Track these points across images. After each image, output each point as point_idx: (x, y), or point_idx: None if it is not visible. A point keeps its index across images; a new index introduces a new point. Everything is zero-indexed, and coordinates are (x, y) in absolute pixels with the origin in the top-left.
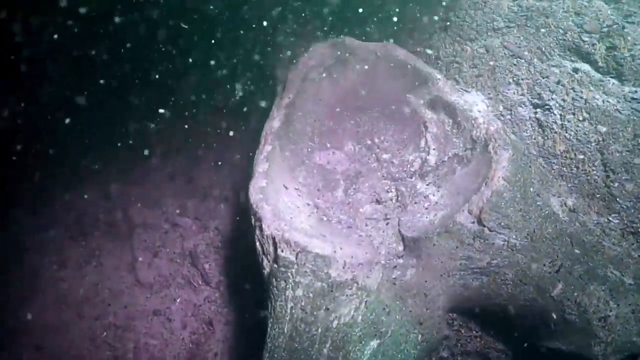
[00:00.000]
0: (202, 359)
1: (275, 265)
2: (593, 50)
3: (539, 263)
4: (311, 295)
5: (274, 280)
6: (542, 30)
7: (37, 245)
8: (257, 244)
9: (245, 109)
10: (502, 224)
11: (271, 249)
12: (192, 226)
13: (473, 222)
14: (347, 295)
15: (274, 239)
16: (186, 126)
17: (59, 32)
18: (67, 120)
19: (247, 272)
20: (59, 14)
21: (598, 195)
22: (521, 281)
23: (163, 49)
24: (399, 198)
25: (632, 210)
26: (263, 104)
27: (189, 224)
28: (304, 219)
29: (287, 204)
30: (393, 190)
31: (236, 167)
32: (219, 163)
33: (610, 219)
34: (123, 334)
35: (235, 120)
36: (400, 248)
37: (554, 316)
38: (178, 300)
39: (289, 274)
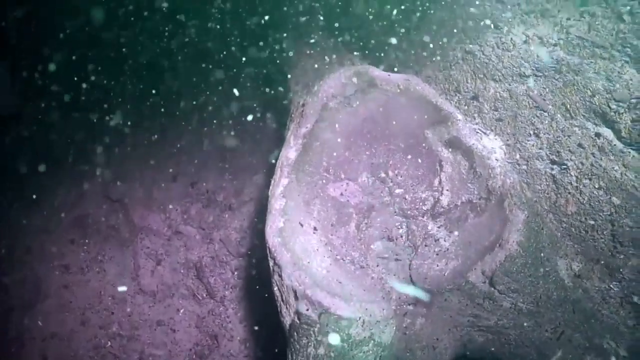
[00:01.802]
0: None
1: (297, 321)
2: (618, 119)
3: (542, 328)
4: (332, 354)
5: (295, 334)
6: (570, 87)
7: (38, 249)
8: (276, 288)
9: (253, 115)
10: (512, 287)
11: (292, 300)
12: (196, 235)
13: (484, 283)
14: (364, 352)
15: (295, 292)
16: (190, 127)
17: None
18: (66, 119)
19: (252, 291)
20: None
21: (602, 262)
22: (524, 343)
23: (170, 51)
24: (410, 237)
25: (634, 283)
26: (273, 112)
27: (193, 233)
28: (320, 261)
29: (304, 245)
30: (404, 227)
31: (241, 172)
32: (223, 166)
33: (611, 286)
34: (127, 343)
35: (243, 125)
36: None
37: None
38: (181, 310)
39: (311, 332)
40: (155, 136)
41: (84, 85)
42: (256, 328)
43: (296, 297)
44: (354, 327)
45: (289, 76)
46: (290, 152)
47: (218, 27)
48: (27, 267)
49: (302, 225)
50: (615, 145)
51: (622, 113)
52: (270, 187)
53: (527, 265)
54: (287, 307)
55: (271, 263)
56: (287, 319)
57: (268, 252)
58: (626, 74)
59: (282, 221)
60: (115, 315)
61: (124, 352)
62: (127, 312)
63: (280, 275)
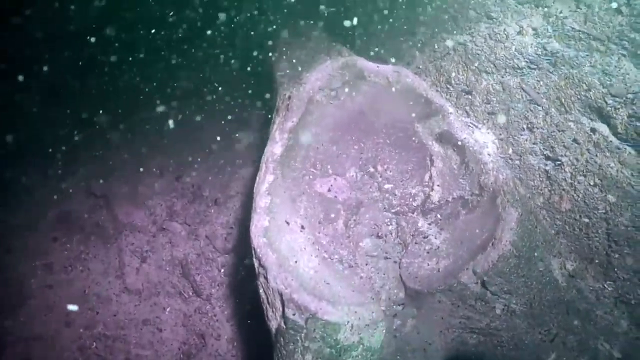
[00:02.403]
0: None
1: (284, 326)
2: (614, 115)
3: (535, 330)
4: None
5: (281, 339)
6: (565, 80)
7: (20, 247)
8: (261, 291)
9: (239, 106)
10: (505, 289)
11: (278, 303)
12: (182, 232)
13: (476, 284)
14: (353, 357)
15: (281, 295)
16: (175, 119)
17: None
18: (48, 111)
19: (239, 289)
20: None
21: (597, 261)
22: (516, 345)
23: (152, 44)
24: (399, 234)
25: (628, 283)
26: (258, 103)
27: (178, 230)
28: (308, 260)
29: (291, 244)
30: (394, 223)
31: (227, 166)
32: (209, 159)
33: (606, 285)
34: (113, 344)
35: (228, 117)
36: (401, 295)
37: None
38: (168, 309)
39: (298, 337)
40: (140, 129)
41: (66, 80)
42: (243, 327)
43: (282, 301)
44: (342, 332)
45: (275, 67)
46: (275, 147)
47: (200, 18)
48: (8, 267)
49: (288, 223)
50: (611, 141)
51: (619, 108)
52: (255, 184)
53: (521, 266)
54: (273, 311)
55: (256, 264)
56: (274, 322)
57: (253, 252)
58: (622, 67)
59: (268, 220)
60: (101, 315)
61: (110, 353)
62: (113, 311)
63: (265, 277)
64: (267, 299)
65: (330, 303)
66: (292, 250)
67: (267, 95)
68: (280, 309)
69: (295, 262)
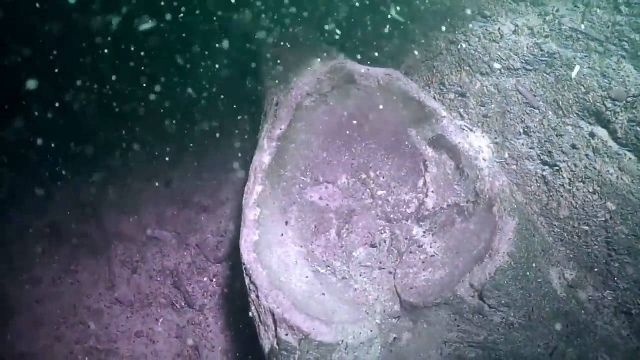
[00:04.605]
0: None
1: (277, 347)
2: (614, 119)
3: (534, 343)
4: None
5: None
6: (563, 82)
7: (6, 261)
8: (253, 308)
9: (227, 110)
10: (503, 301)
11: (270, 322)
12: (172, 241)
13: (473, 297)
14: None
15: (273, 314)
16: (163, 124)
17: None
18: (32, 120)
19: (232, 299)
20: None
21: (596, 270)
22: (516, 359)
23: (142, 48)
24: (394, 242)
25: (628, 293)
26: (250, 107)
27: (169, 239)
28: (300, 275)
29: (282, 257)
30: (387, 231)
31: (216, 171)
32: (199, 165)
33: (605, 295)
34: (106, 358)
35: (218, 121)
36: (397, 308)
37: None
38: (160, 320)
39: (292, 358)
40: (127, 135)
41: (52, 85)
42: (237, 338)
43: (274, 320)
44: (336, 353)
45: (263, 70)
46: (264, 156)
47: (187, 20)
48: None
49: (279, 235)
50: (610, 146)
51: (619, 112)
52: (244, 196)
53: (519, 278)
54: (265, 329)
55: (247, 281)
56: (266, 342)
57: (244, 268)
58: (623, 70)
59: (258, 234)
60: (92, 328)
61: None
62: (104, 324)
63: (257, 295)
64: (259, 317)
65: (324, 322)
66: (284, 264)
67: (259, 99)
68: (273, 328)
69: (287, 278)
